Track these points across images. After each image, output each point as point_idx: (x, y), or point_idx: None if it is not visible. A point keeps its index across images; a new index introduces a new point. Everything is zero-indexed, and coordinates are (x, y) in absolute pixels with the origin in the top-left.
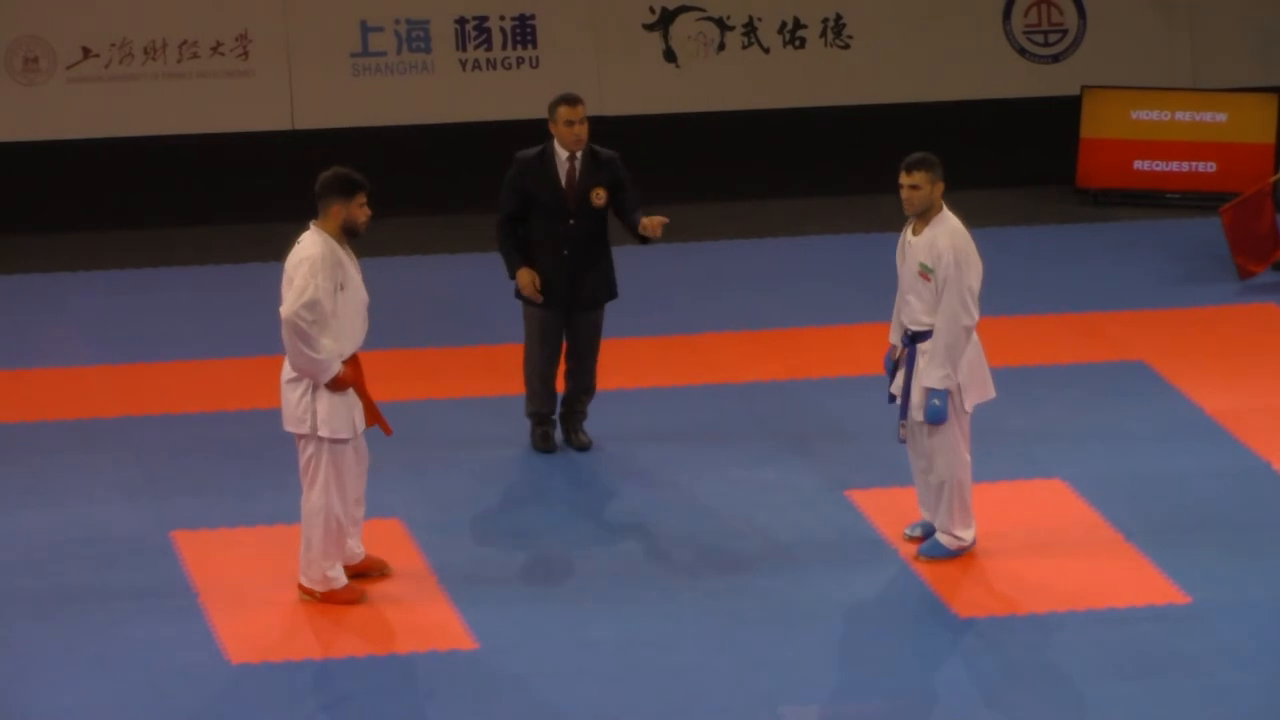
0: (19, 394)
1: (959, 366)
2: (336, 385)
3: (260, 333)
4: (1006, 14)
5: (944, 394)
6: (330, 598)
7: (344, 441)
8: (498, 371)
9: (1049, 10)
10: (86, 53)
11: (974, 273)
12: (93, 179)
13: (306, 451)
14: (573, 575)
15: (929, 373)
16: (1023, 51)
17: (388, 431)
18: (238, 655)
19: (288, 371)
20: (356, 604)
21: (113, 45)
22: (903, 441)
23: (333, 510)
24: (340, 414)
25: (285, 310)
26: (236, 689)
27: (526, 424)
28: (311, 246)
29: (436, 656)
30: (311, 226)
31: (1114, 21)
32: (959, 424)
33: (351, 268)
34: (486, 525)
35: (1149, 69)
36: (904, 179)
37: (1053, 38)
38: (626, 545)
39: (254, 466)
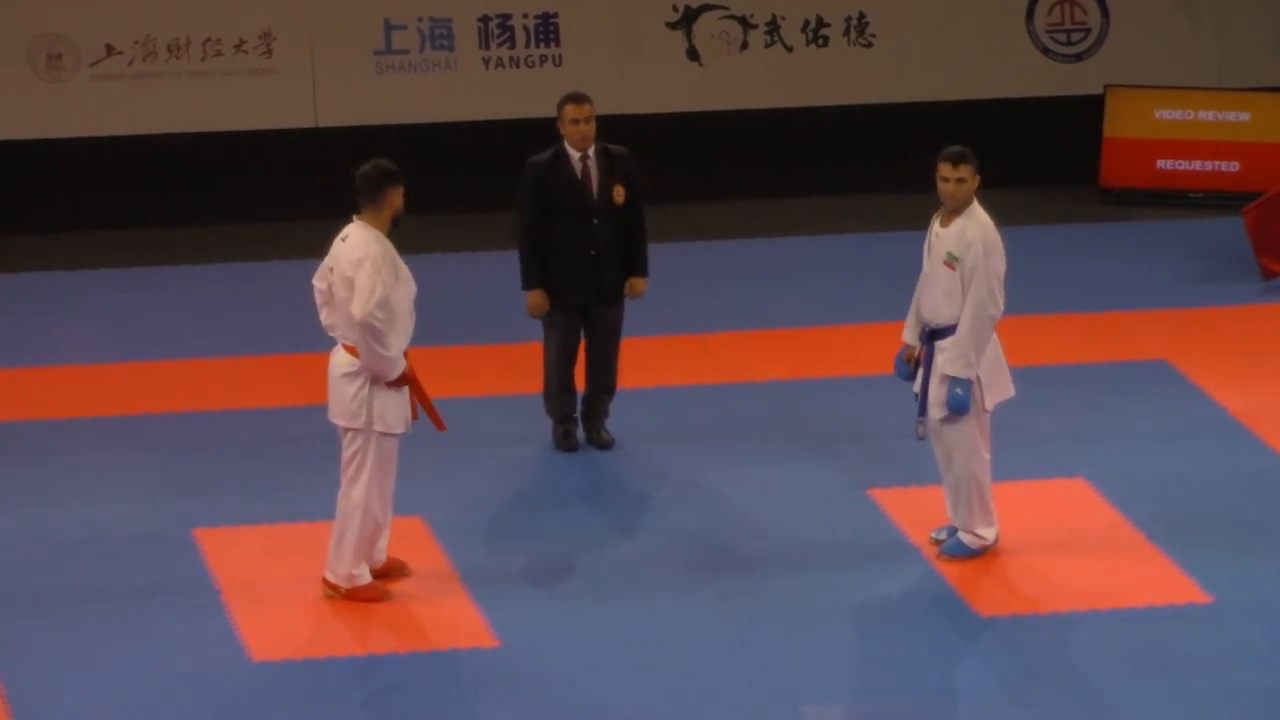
0: (43, 392)
1: (982, 357)
2: (402, 382)
3: (283, 330)
4: (1029, 13)
5: (966, 383)
6: (354, 594)
7: (395, 437)
8: (519, 370)
9: (1072, 9)
10: (110, 50)
11: (1002, 264)
12: (115, 176)
13: (353, 445)
14: (593, 574)
15: (952, 362)
16: (1045, 50)
17: (440, 427)
18: (259, 653)
19: (341, 365)
20: (380, 602)
21: (136, 43)
22: (921, 439)
23: (371, 507)
24: (395, 409)
25: (358, 311)
26: (257, 687)
27: (548, 422)
28: (367, 244)
29: (458, 654)
30: (357, 221)
31: (1137, 20)
32: (978, 422)
33: (400, 260)
34: (508, 524)
35: (1172, 68)
36: (949, 172)
37: (1076, 36)
38: (645, 544)
39: (277, 464)
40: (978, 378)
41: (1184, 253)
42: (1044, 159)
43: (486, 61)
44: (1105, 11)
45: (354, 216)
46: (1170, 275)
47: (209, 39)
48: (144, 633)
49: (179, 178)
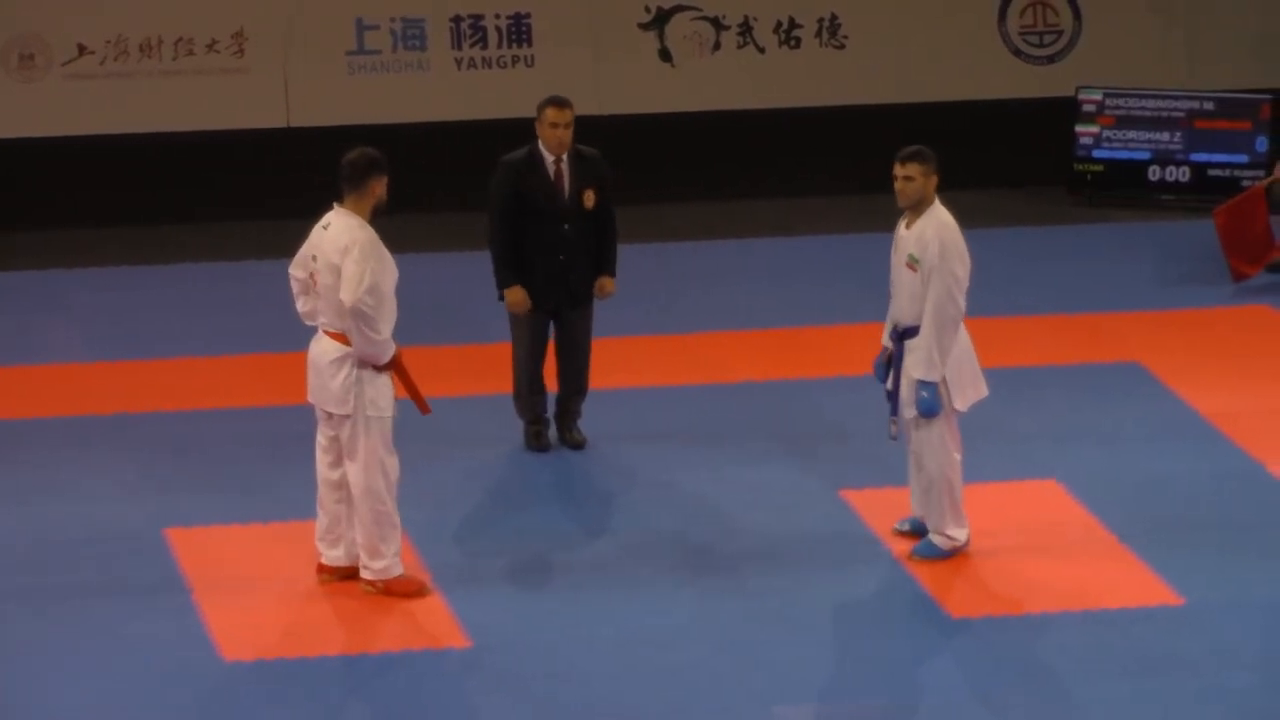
0: (15, 391)
1: (947, 359)
2: (392, 365)
3: (256, 331)
4: (1002, 15)
5: (933, 386)
6: (391, 589)
7: (388, 419)
8: (491, 370)
9: (1044, 11)
10: (82, 50)
11: (961, 264)
12: (88, 176)
13: (355, 432)
14: (566, 574)
15: (916, 364)
16: (1018, 52)
17: (424, 410)
18: (231, 653)
19: (327, 352)
20: (420, 597)
21: (108, 42)
22: (894, 439)
23: (379, 491)
24: (384, 392)
25: (349, 297)
26: (230, 686)
27: (519, 423)
28: (352, 231)
29: (430, 654)
30: (338, 209)
31: (1109, 23)
32: (948, 423)
33: (383, 247)
34: (480, 523)
35: (1144, 70)
36: (898, 170)
37: (1048, 39)
38: (620, 544)
39: (249, 464)
40: (944, 379)
41: (1157, 255)
42: (1016, 161)
43: (459, 62)
44: (1077, 13)
45: (335, 204)
46: (1143, 277)
47: (181, 38)
48: (116, 632)
49: (150, 177)
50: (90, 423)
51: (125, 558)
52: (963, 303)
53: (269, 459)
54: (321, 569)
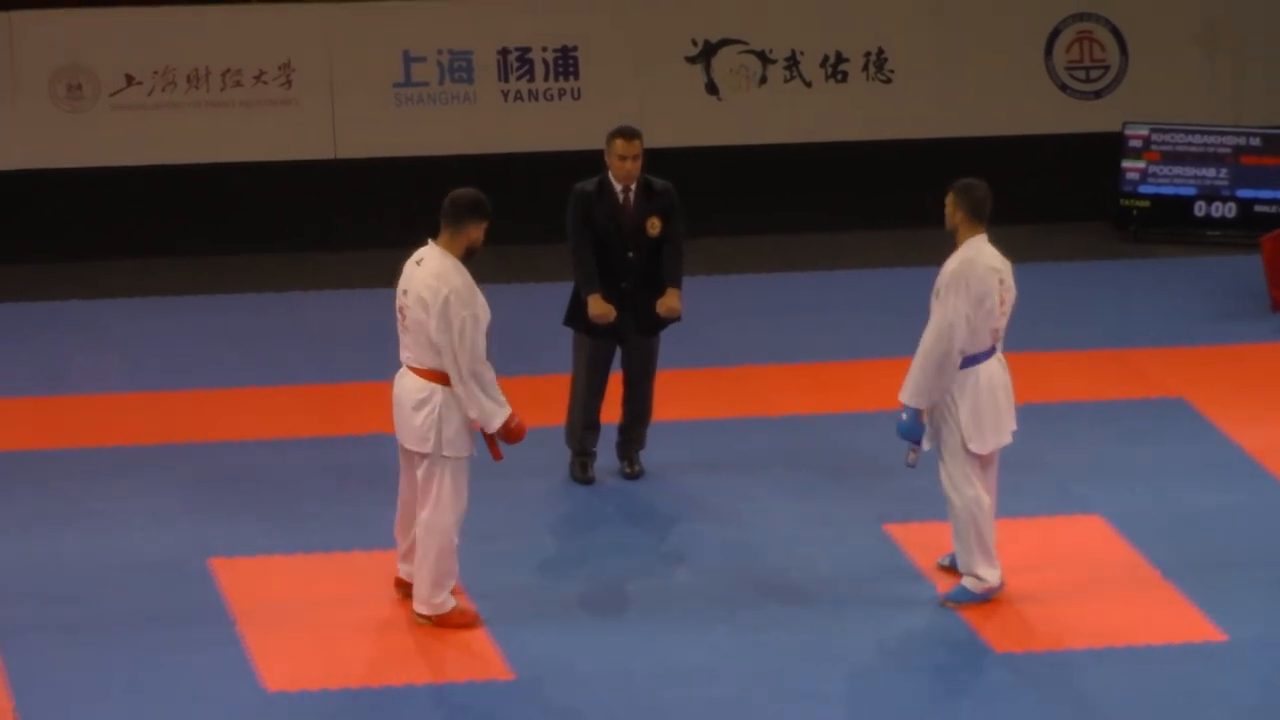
0: (58, 420)
1: (932, 391)
2: (508, 434)
3: (300, 362)
4: (1048, 50)
5: (913, 411)
6: (444, 622)
7: (464, 459)
8: (539, 402)
9: (1091, 46)
10: (130, 80)
11: (968, 301)
12: (134, 206)
13: (432, 470)
14: (610, 606)
15: (903, 387)
16: (1064, 87)
17: (497, 457)
18: (274, 683)
19: (409, 390)
20: (471, 629)
21: (156, 73)
22: (910, 465)
23: (449, 531)
24: (464, 434)
25: (465, 365)
26: (272, 717)
27: (565, 454)
28: (449, 275)
29: (473, 686)
30: (433, 246)
31: (1156, 58)
32: (969, 463)
33: (477, 289)
34: (525, 555)
35: (1191, 106)
36: None
37: (1094, 74)
38: (664, 576)
39: (293, 495)
40: (956, 420)
41: (1202, 291)
42: (1062, 195)
43: (506, 94)
44: (1124, 49)
45: (429, 240)
46: (1188, 313)
47: (229, 70)
48: (160, 662)
49: (198, 208)
50: (132, 453)
51: (169, 588)
52: (958, 341)
53: (314, 490)
54: (399, 583)
